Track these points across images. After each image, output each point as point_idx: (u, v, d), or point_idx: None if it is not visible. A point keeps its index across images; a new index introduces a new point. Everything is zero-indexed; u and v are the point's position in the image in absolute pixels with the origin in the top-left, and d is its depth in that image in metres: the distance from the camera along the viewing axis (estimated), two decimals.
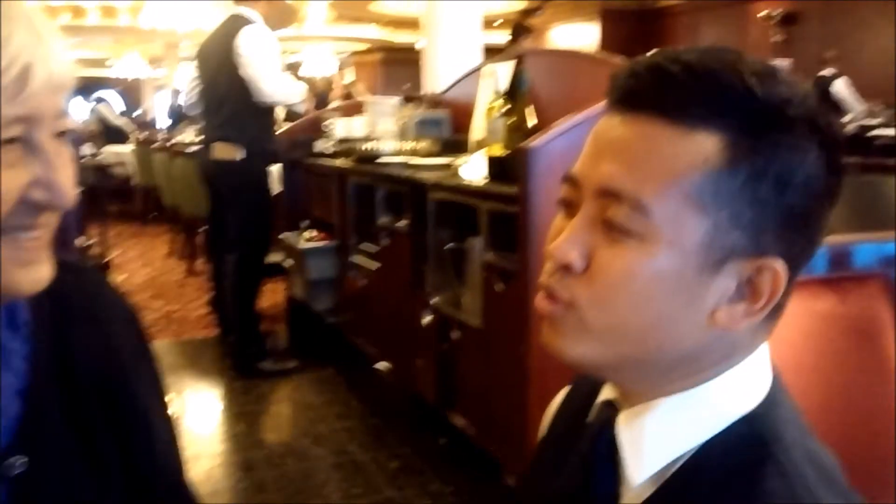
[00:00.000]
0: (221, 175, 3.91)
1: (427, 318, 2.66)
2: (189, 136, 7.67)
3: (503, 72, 2.54)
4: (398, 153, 3.28)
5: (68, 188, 0.62)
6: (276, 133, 4.07)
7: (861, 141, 5.75)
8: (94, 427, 0.73)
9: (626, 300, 0.62)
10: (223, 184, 3.94)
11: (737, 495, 0.60)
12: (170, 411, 0.84)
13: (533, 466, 0.86)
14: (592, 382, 0.80)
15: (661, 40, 9.75)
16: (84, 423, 0.73)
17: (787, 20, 8.72)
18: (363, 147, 3.38)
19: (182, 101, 5.80)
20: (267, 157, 3.90)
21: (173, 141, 7.48)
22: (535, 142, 1.74)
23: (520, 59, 2.56)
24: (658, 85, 0.61)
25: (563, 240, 0.65)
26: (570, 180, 0.67)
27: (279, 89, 3.75)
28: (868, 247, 1.20)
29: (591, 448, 0.71)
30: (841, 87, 6.12)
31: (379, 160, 3.22)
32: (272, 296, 5.28)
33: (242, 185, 3.83)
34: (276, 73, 3.73)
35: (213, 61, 3.82)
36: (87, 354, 0.74)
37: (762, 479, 0.60)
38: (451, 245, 2.54)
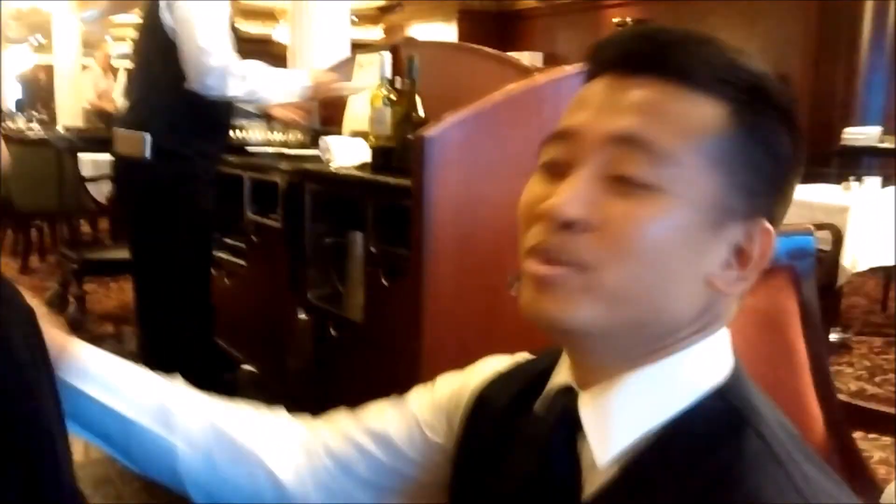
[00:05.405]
0: (122, 179, 2.80)
1: (303, 316, 2.54)
2: (24, 123, 7.09)
3: (388, 61, 2.46)
4: (267, 144, 3.14)
5: None
6: (224, 129, 2.81)
7: None
8: None
9: (642, 256, 0.61)
10: (126, 193, 2.83)
11: (719, 459, 0.60)
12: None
13: (460, 465, 0.82)
14: (526, 377, 0.78)
15: (518, 42, 9.95)
16: None
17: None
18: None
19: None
20: (193, 161, 2.63)
21: (6, 127, 6.90)
22: (432, 131, 1.67)
23: (398, 49, 2.49)
24: (664, 49, 0.63)
25: (566, 196, 0.61)
26: (565, 136, 0.64)
27: (217, 52, 2.42)
28: (778, 240, 1.21)
29: (548, 436, 0.68)
30: None
31: (247, 150, 3.05)
32: (120, 294, 4.95)
33: (149, 198, 2.66)
34: (219, 26, 2.46)
35: (143, 23, 2.68)
36: None
37: (742, 440, 0.61)
38: (330, 240, 2.44)
